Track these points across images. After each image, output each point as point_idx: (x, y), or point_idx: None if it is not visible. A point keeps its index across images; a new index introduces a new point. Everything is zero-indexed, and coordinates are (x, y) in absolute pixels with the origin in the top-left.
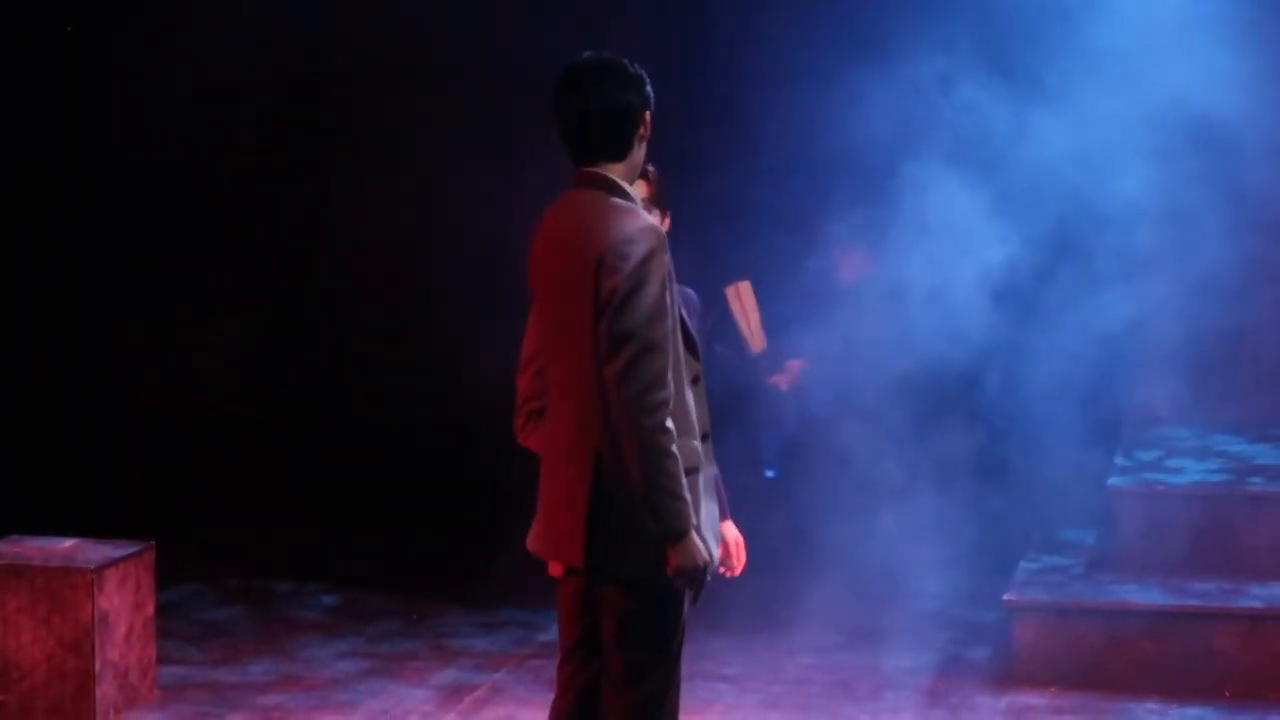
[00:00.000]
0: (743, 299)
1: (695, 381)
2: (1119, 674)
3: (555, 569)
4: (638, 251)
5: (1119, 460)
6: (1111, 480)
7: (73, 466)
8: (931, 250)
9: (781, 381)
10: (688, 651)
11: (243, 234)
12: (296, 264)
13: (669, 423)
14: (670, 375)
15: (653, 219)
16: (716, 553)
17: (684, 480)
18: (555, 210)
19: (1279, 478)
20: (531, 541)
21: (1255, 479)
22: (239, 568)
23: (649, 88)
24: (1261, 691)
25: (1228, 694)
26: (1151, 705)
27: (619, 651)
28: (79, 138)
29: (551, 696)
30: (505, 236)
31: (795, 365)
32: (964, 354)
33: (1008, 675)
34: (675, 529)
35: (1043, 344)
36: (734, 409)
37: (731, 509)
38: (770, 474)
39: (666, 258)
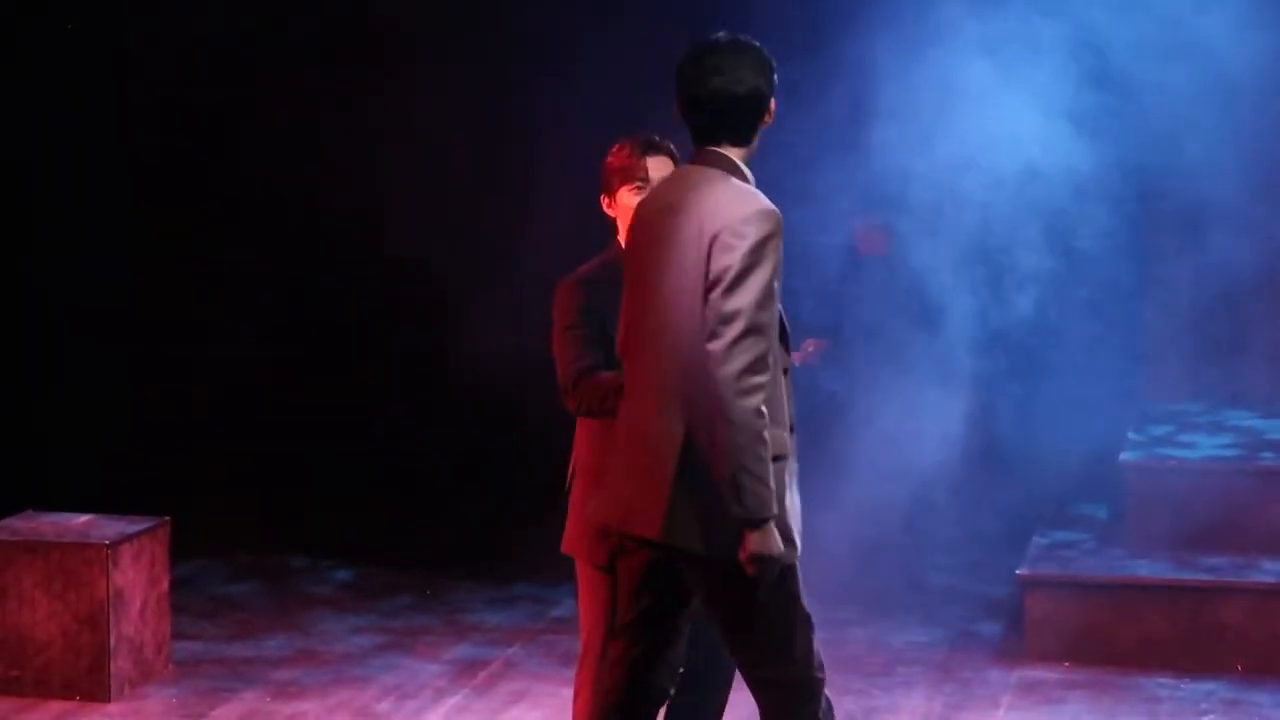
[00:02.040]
0: None
1: (785, 373)
2: (1130, 648)
3: (584, 557)
4: (756, 233)
5: (1131, 435)
6: (1123, 455)
7: (89, 443)
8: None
9: (795, 359)
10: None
11: (255, 222)
12: (311, 250)
13: (764, 408)
14: (770, 361)
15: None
16: (799, 544)
17: (771, 467)
18: (669, 184)
19: None
20: (599, 511)
21: (1267, 454)
22: (253, 543)
23: (776, 74)
24: (1273, 666)
25: (1240, 668)
26: (1163, 679)
27: (723, 621)
28: (80, 134)
29: (566, 670)
30: (513, 222)
31: (812, 343)
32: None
33: (1019, 650)
34: (757, 514)
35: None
36: None
37: None
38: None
39: (781, 244)
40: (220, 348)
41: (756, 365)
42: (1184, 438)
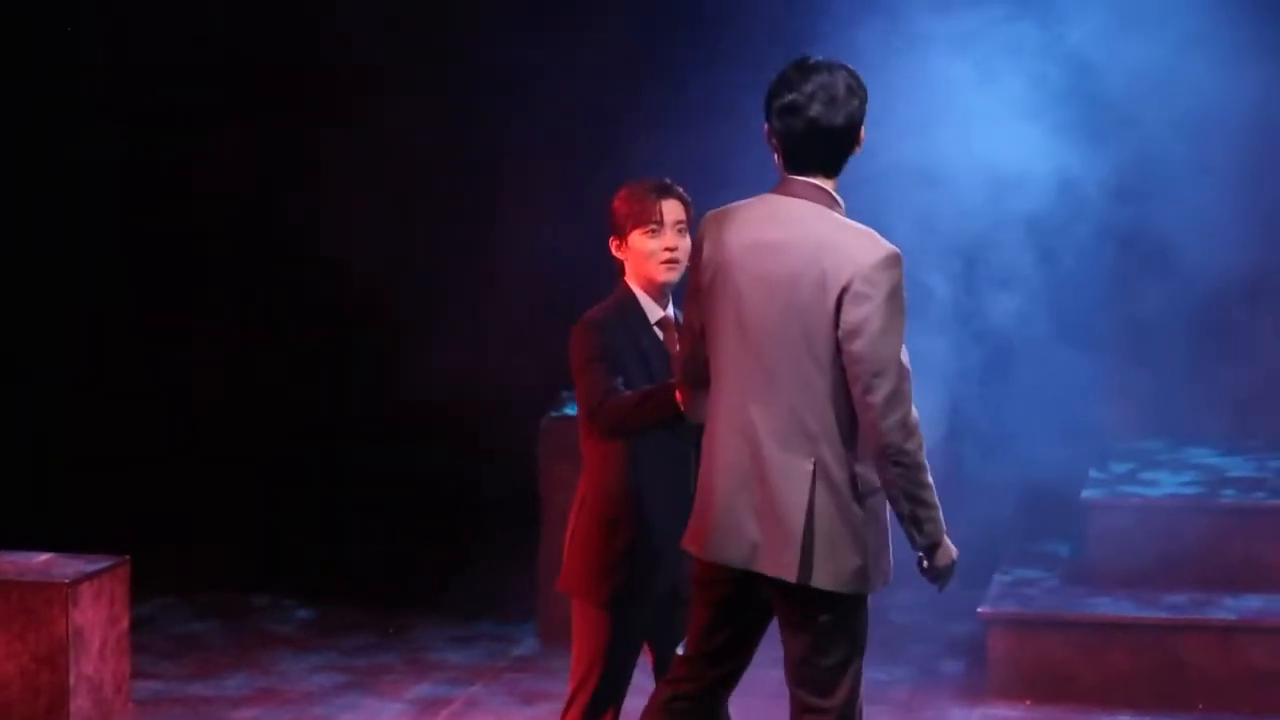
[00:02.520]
0: None
1: None
2: (1093, 686)
3: (585, 596)
4: (889, 280)
5: (1093, 473)
6: (1085, 493)
7: (47, 481)
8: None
9: None
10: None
11: (212, 257)
12: (270, 285)
13: (924, 441)
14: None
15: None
16: (889, 575)
17: (935, 489)
18: (762, 218)
19: (1251, 490)
20: (715, 550)
21: (1228, 491)
22: (214, 582)
23: (867, 102)
24: (1234, 704)
25: (1201, 706)
26: (1125, 718)
27: (806, 659)
28: (39, 140)
29: (529, 709)
30: (487, 250)
31: None
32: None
33: (982, 688)
34: (936, 539)
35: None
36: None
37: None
38: None
39: (904, 278)
40: (179, 385)
41: (910, 407)
42: (1146, 475)
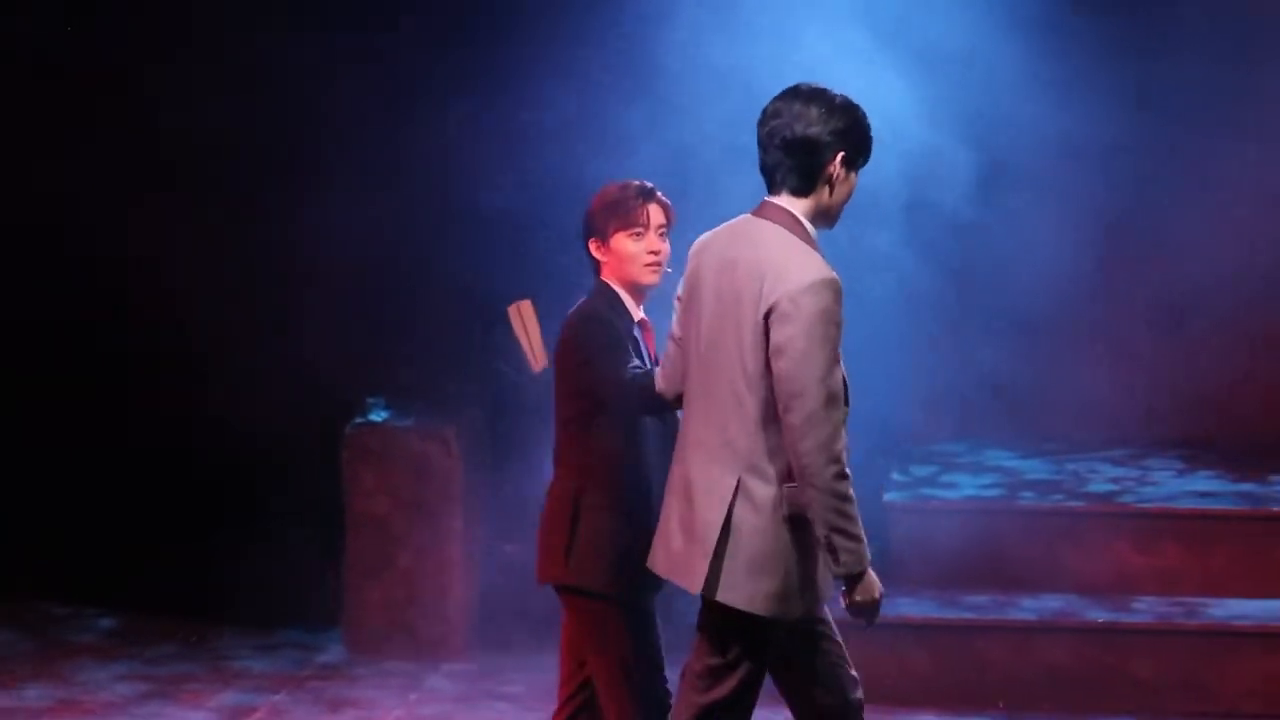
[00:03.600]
0: (524, 317)
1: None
2: (895, 687)
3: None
4: (814, 304)
5: (895, 476)
6: (887, 496)
7: None
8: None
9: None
10: (468, 670)
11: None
12: (64, 296)
13: (847, 469)
14: (843, 420)
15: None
16: (814, 605)
17: (860, 521)
18: (728, 237)
19: (1050, 493)
20: (654, 560)
21: (1027, 494)
22: (13, 591)
23: (858, 128)
24: (1034, 703)
25: (1002, 705)
26: (928, 718)
27: (709, 674)
28: None
29: (333, 716)
30: (282, 251)
31: None
32: None
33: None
34: (854, 569)
35: None
36: (517, 427)
37: (516, 527)
38: None
39: (841, 309)
40: None
41: (836, 432)
42: (946, 478)
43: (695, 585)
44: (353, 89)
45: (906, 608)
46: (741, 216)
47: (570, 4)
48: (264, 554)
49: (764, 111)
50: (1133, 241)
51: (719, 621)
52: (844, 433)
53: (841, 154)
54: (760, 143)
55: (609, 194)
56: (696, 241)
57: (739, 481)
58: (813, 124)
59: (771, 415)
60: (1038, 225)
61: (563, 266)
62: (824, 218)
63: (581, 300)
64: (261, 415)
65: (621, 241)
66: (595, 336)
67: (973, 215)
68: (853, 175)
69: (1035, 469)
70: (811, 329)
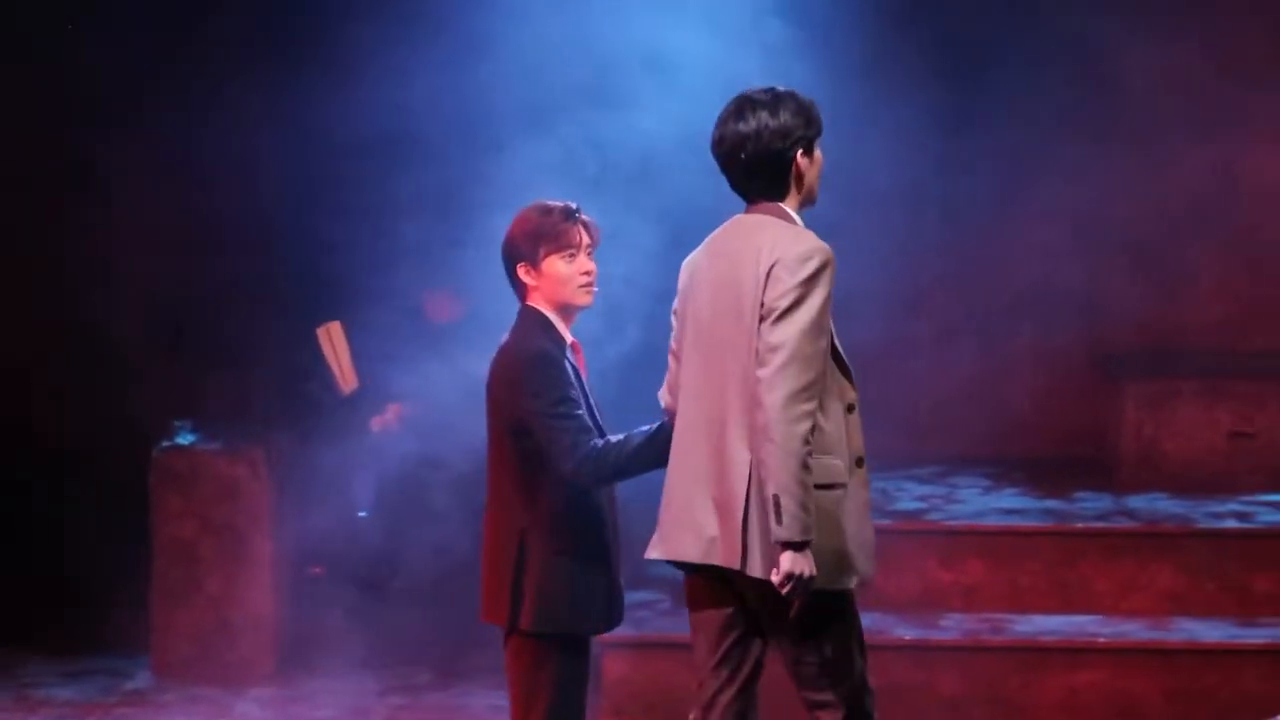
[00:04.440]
0: (333, 339)
1: (850, 409)
2: None
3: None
4: (808, 267)
5: None
6: None
7: None
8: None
9: (376, 423)
10: (277, 696)
11: None
12: None
13: (809, 435)
14: (820, 390)
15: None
16: (869, 571)
17: (811, 494)
18: (721, 235)
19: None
20: (681, 550)
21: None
22: None
23: (801, 115)
24: None
25: None
26: None
27: (784, 646)
28: None
29: None
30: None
31: (393, 408)
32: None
33: (596, 710)
34: (792, 536)
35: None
36: (327, 450)
37: (326, 550)
38: (363, 514)
39: (833, 278)
40: None
41: (802, 393)
42: None
43: (734, 560)
44: (156, 92)
45: None
46: (733, 218)
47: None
48: (68, 580)
49: (712, 139)
50: (945, 262)
51: (778, 607)
52: (813, 403)
53: (799, 149)
54: (721, 167)
55: (533, 217)
56: (689, 257)
57: (751, 460)
58: (761, 139)
59: None
60: (857, 245)
61: (372, 288)
62: (806, 201)
63: (515, 327)
64: (70, 435)
65: (554, 264)
66: (550, 384)
67: None
68: (817, 152)
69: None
70: (799, 291)
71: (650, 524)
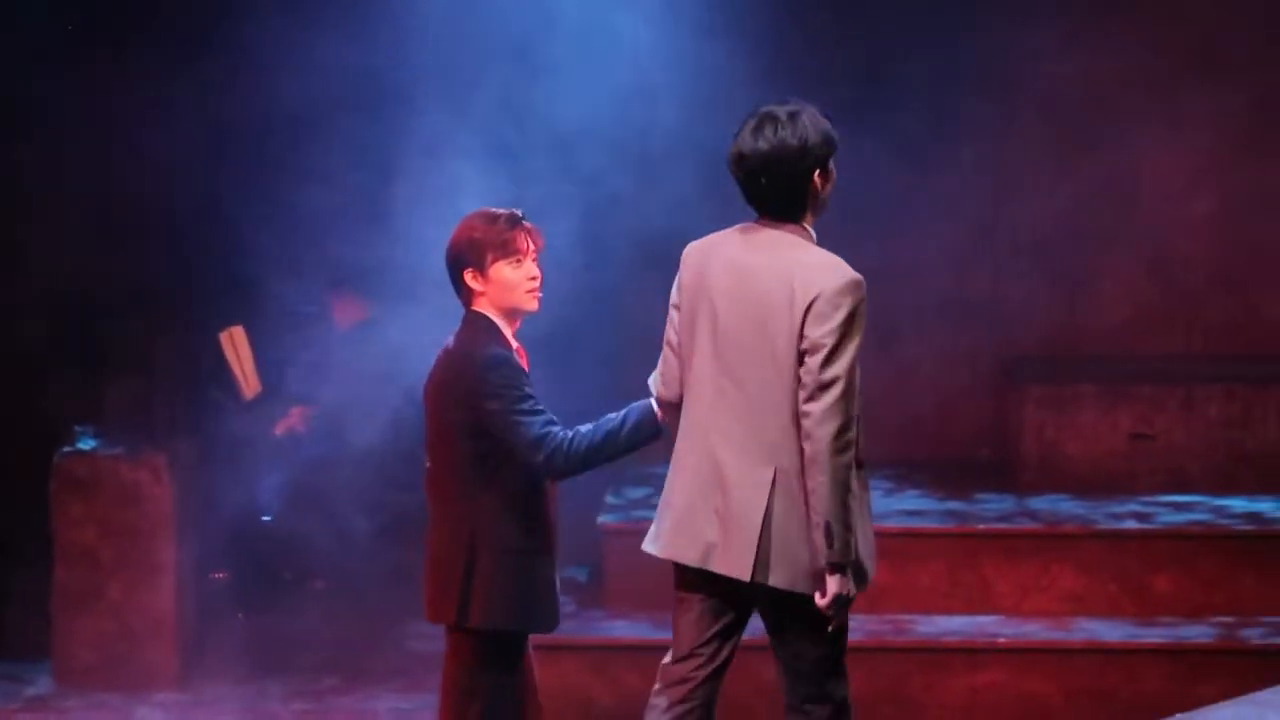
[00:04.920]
0: (236, 344)
1: (859, 415)
2: (609, 708)
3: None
4: (850, 303)
5: (609, 498)
6: (601, 518)
7: None
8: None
9: (279, 427)
10: (180, 701)
11: None
12: None
13: (854, 461)
14: (859, 418)
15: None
16: (873, 574)
17: (858, 519)
18: (742, 241)
19: None
20: (676, 551)
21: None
22: None
23: (817, 135)
24: (749, 718)
25: None
26: None
27: (790, 644)
28: None
29: None
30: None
31: (297, 412)
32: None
33: None
34: (845, 559)
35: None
36: (229, 454)
37: (230, 555)
38: (267, 519)
39: (866, 306)
40: None
41: (850, 425)
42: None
43: (744, 573)
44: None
45: (620, 630)
46: (745, 225)
47: None
48: None
49: (730, 155)
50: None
51: (781, 610)
52: (856, 430)
53: (817, 168)
54: (741, 183)
55: (479, 224)
56: (690, 249)
57: (775, 472)
58: (782, 160)
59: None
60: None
61: (276, 293)
62: (819, 215)
63: (461, 332)
64: None
65: (501, 270)
66: (509, 383)
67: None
68: (831, 169)
69: None
70: (845, 327)
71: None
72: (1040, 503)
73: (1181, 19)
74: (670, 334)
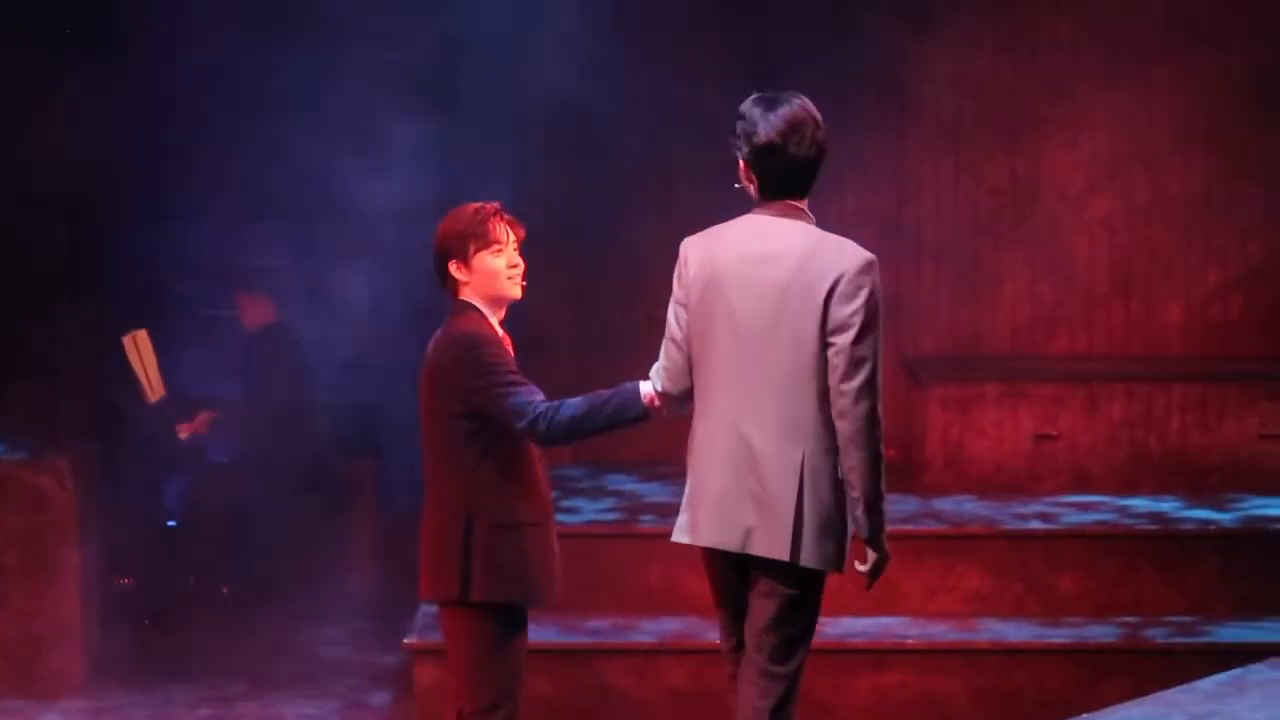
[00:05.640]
0: (140, 347)
1: None
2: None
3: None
4: (871, 282)
5: None
6: None
7: None
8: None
9: (184, 431)
10: (85, 707)
11: None
12: None
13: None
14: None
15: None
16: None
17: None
18: (746, 232)
19: (670, 516)
20: (712, 535)
21: (647, 517)
22: None
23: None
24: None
25: None
26: None
27: (776, 630)
28: None
29: None
30: None
31: (203, 416)
32: (362, 399)
33: (410, 718)
34: (883, 529)
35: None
36: (136, 458)
37: (134, 560)
38: (173, 524)
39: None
40: None
41: (879, 400)
42: (566, 503)
43: (783, 553)
44: None
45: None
46: (747, 216)
47: None
48: None
49: (767, 133)
50: None
51: (780, 582)
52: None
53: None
54: (767, 166)
55: (463, 217)
56: (690, 244)
57: (803, 454)
58: (819, 138)
59: (826, 390)
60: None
61: (181, 295)
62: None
63: (448, 321)
64: None
65: (484, 259)
66: (493, 362)
67: None
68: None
69: (655, 492)
70: (868, 305)
71: None
72: (945, 503)
73: (1086, 17)
74: (675, 329)
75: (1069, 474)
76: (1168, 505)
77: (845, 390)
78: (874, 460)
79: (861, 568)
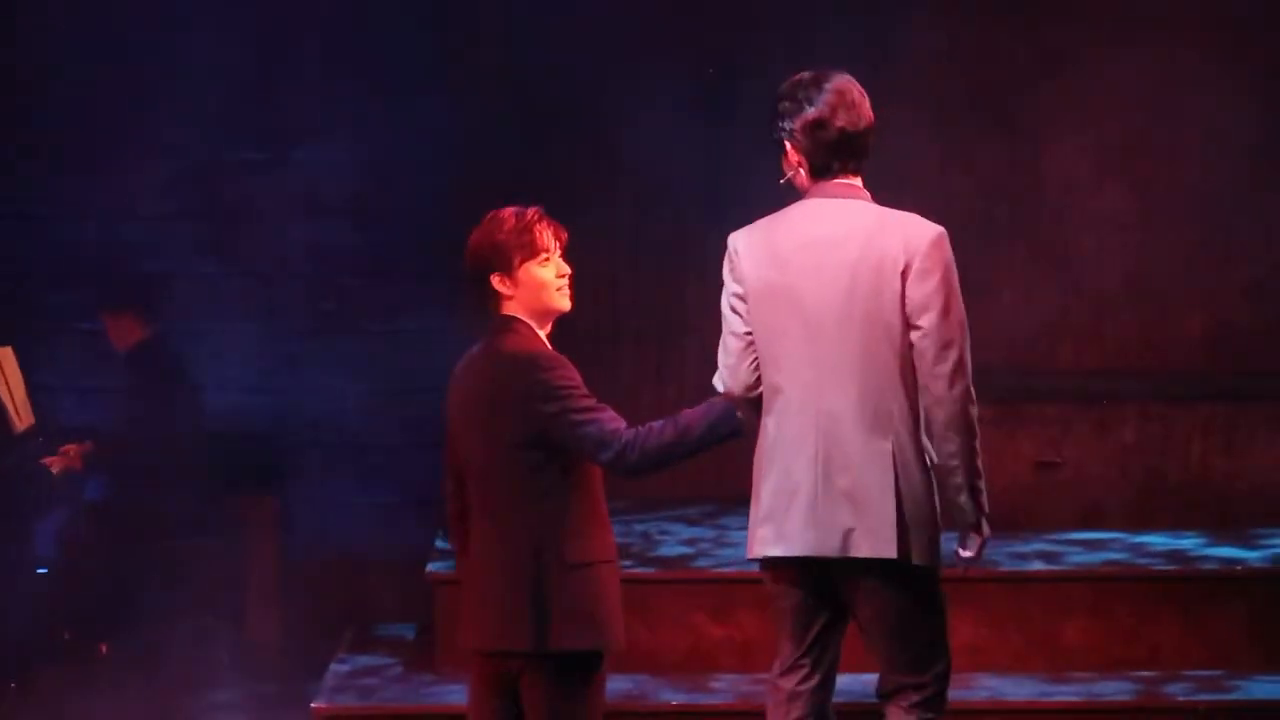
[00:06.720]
0: (4, 369)
1: None
2: None
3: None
4: (946, 255)
5: (438, 544)
6: (431, 566)
7: None
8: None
9: (54, 465)
10: None
11: None
12: None
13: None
14: None
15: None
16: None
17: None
18: (804, 219)
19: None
20: (806, 544)
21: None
22: None
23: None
24: None
25: None
26: None
27: (898, 637)
28: None
29: None
30: None
31: (77, 448)
32: (259, 426)
33: None
34: (985, 512)
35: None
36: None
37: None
38: (43, 571)
39: None
40: None
41: (971, 378)
42: None
43: (890, 551)
44: None
45: (454, 696)
46: (803, 201)
47: None
48: None
49: (815, 108)
50: (715, 269)
51: (890, 589)
52: None
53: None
54: (818, 141)
55: (505, 224)
56: (740, 237)
57: (893, 444)
58: (865, 109)
59: (910, 373)
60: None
61: (57, 305)
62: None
63: (494, 338)
64: None
65: (530, 270)
66: (575, 385)
67: None
68: None
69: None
70: (949, 280)
71: None
72: None
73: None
74: (737, 326)
75: (1075, 507)
76: (1188, 542)
77: (939, 374)
78: (973, 442)
79: (967, 553)
